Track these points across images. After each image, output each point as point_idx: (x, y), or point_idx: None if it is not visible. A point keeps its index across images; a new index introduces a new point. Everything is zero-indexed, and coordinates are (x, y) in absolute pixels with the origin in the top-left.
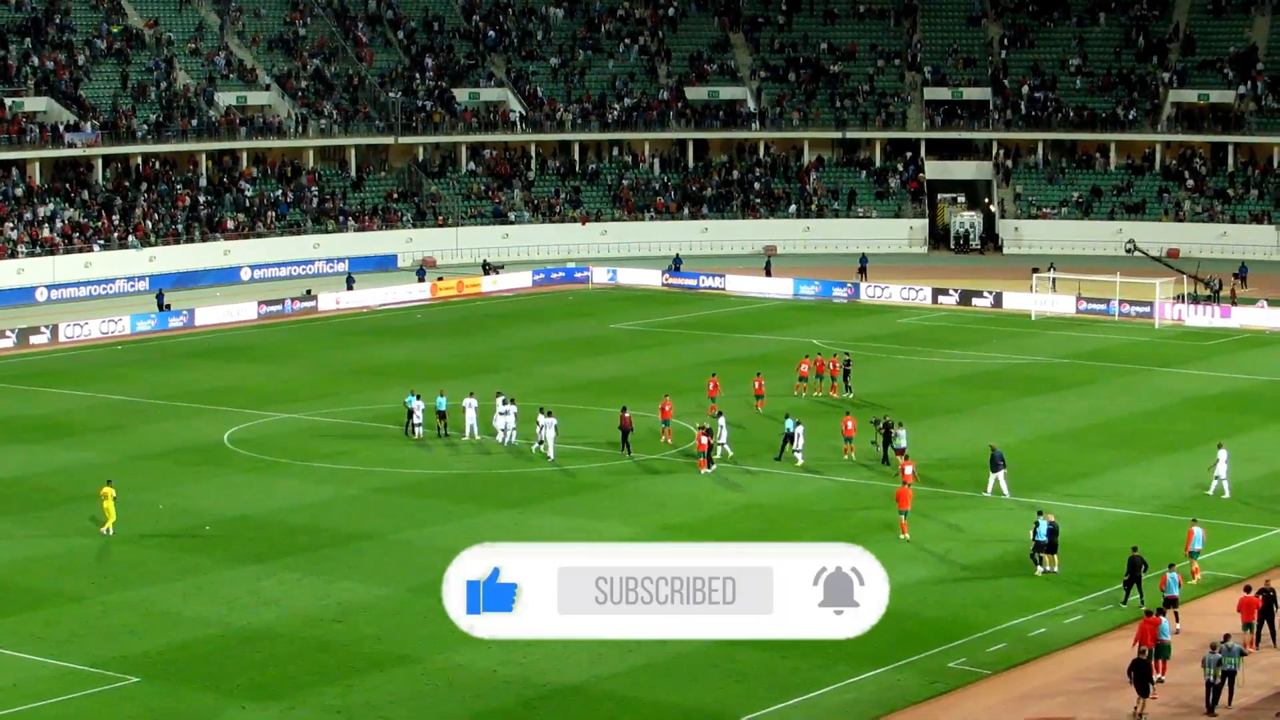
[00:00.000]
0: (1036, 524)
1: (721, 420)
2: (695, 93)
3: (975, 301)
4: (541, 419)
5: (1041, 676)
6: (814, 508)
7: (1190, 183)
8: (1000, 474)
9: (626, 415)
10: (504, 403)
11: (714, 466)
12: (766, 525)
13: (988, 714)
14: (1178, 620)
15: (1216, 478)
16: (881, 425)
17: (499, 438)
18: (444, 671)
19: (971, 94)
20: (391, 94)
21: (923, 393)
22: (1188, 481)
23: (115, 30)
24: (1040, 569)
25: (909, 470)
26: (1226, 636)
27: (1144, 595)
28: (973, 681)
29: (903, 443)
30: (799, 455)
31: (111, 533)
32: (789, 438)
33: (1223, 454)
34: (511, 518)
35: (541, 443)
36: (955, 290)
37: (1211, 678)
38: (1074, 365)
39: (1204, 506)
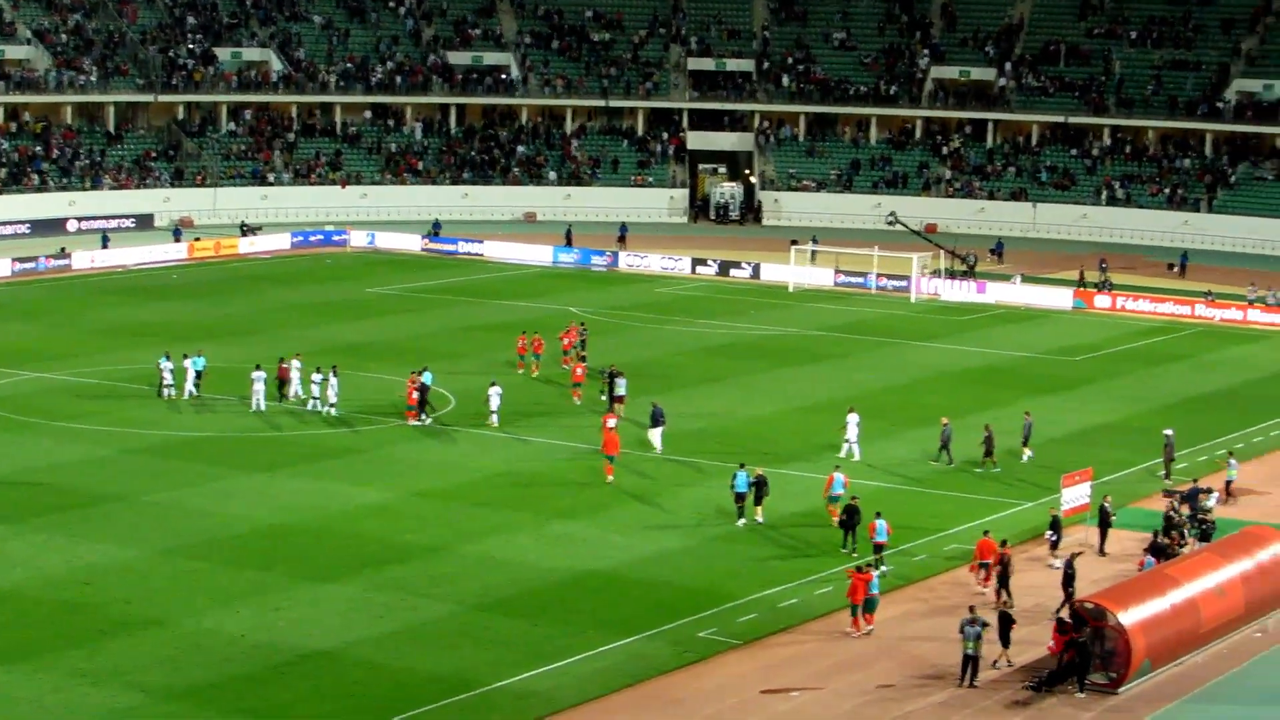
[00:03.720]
0: (735, 476)
1: (493, 390)
2: (459, 58)
3: (734, 272)
4: (326, 378)
5: (791, 646)
6: (568, 476)
7: (950, 159)
8: (658, 430)
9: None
10: (331, 372)
11: (426, 419)
12: (520, 492)
13: (737, 683)
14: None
15: (846, 441)
16: (608, 375)
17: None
18: (192, 636)
19: (735, 65)
20: (152, 51)
21: (679, 362)
22: (963, 456)
23: None
24: (743, 521)
25: (611, 424)
26: (971, 609)
27: (855, 545)
28: (723, 651)
29: (621, 391)
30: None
31: None
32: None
33: (852, 418)
34: (263, 481)
35: (319, 400)
36: (714, 261)
37: (972, 651)
38: (830, 337)
39: (957, 480)
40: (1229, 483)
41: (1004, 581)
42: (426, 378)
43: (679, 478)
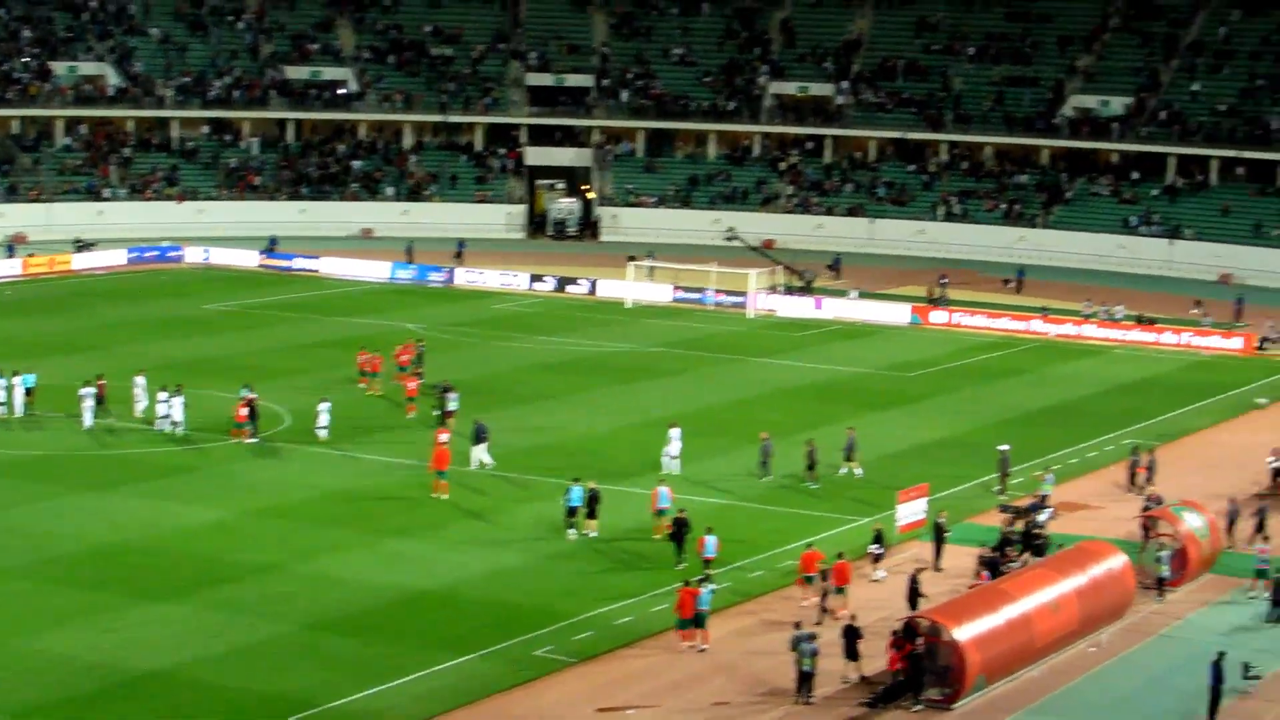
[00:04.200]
0: (569, 490)
1: (322, 406)
2: (297, 72)
3: (571, 288)
4: (171, 396)
5: (627, 664)
6: (403, 493)
7: (788, 174)
8: (481, 446)
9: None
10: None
11: (256, 438)
12: (355, 509)
13: (572, 702)
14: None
15: (667, 455)
16: (439, 390)
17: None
18: (22, 657)
19: (575, 81)
20: None
21: (516, 378)
22: (777, 469)
23: None
24: (572, 533)
25: (443, 439)
26: (798, 625)
27: (685, 557)
28: (559, 669)
29: (452, 406)
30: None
31: None
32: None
33: (674, 432)
34: (95, 500)
35: (167, 418)
36: (552, 277)
37: (809, 667)
38: (668, 353)
39: (794, 496)
40: (1044, 497)
41: (839, 591)
42: (245, 392)
43: (514, 494)
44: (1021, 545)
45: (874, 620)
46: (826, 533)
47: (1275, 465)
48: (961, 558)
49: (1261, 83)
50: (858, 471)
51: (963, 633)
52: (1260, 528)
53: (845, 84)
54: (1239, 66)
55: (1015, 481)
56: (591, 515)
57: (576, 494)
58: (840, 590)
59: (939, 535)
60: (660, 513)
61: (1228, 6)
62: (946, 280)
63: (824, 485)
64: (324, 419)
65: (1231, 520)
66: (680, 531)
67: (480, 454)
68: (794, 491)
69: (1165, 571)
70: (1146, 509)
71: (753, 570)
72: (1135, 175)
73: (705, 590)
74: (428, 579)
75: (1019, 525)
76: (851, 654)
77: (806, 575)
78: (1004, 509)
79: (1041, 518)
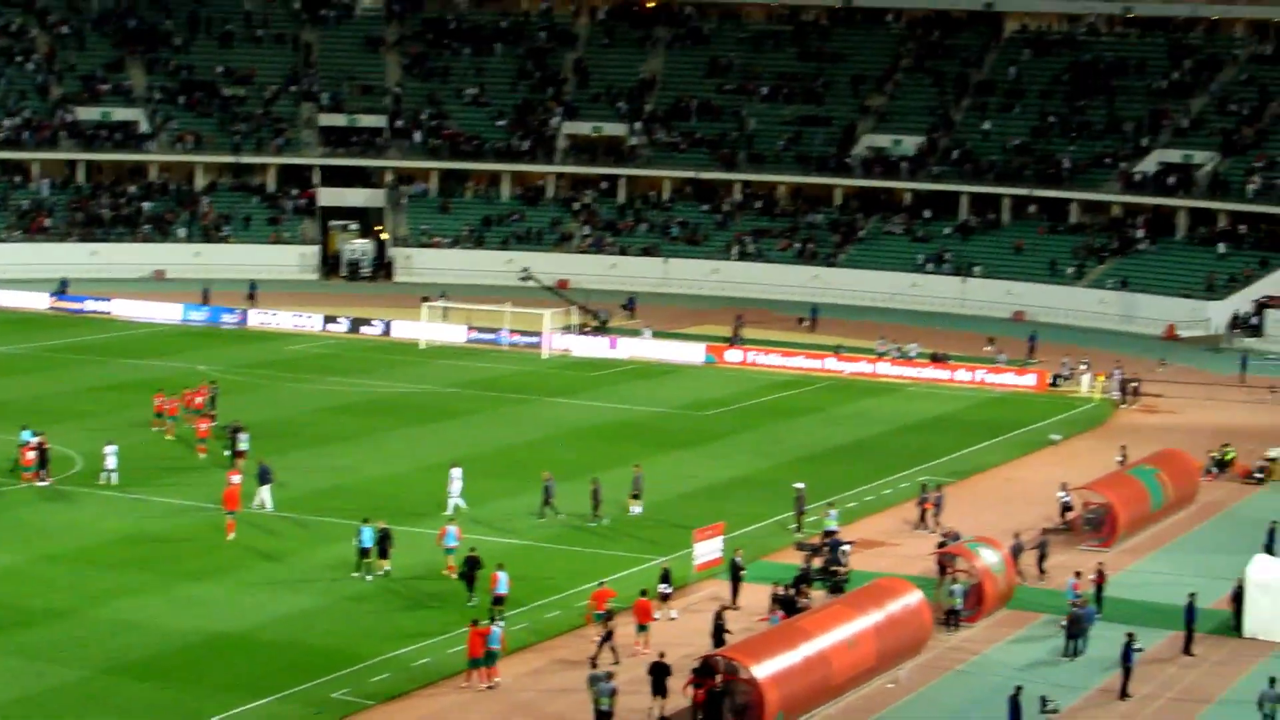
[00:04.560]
0: (360, 530)
1: (109, 449)
2: (88, 113)
3: (365, 329)
4: None
5: (424, 706)
6: (198, 536)
7: (582, 214)
8: (265, 488)
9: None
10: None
11: (47, 481)
12: (149, 552)
13: None
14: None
15: (450, 495)
16: (230, 431)
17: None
18: None
19: (368, 121)
20: None
21: (311, 420)
22: (567, 509)
23: None
24: (367, 575)
25: (235, 480)
26: (594, 664)
27: (476, 596)
28: (356, 712)
29: (243, 446)
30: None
31: None
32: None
33: (455, 472)
34: None
35: None
36: (346, 318)
37: (607, 706)
38: (463, 394)
39: (586, 536)
40: (829, 533)
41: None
42: (26, 435)
43: (308, 536)
44: (820, 582)
45: (679, 658)
46: (625, 571)
47: (1064, 500)
48: (759, 595)
49: (1052, 121)
50: (635, 509)
51: (761, 670)
52: (1041, 561)
53: (638, 124)
54: (1029, 105)
55: (811, 519)
56: (384, 555)
57: (367, 534)
58: (643, 628)
59: (735, 574)
60: (448, 551)
61: (1018, 46)
62: (743, 320)
63: (619, 524)
64: (111, 461)
65: (1015, 555)
66: (471, 570)
67: (263, 495)
68: (588, 531)
69: (959, 604)
70: (942, 545)
71: (550, 610)
72: (928, 214)
73: (494, 629)
74: (224, 622)
75: (817, 562)
76: (659, 690)
77: (598, 613)
78: (800, 546)
79: (839, 555)
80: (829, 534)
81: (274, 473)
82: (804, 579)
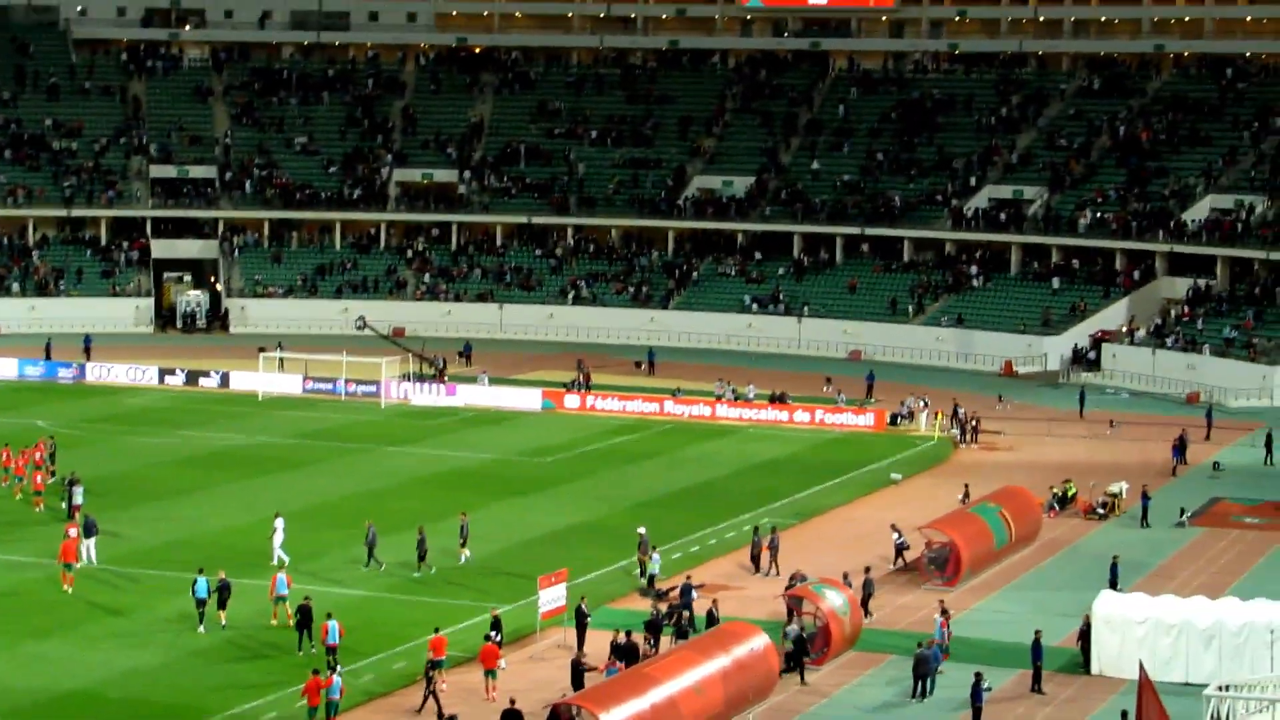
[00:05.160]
0: (195, 582)
1: None
2: None
3: (202, 381)
4: None
5: None
6: (38, 592)
7: (415, 261)
8: (90, 541)
9: None
10: None
11: None
12: None
13: None
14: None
15: (273, 546)
16: (66, 483)
17: None
18: None
19: (198, 172)
20: None
21: (149, 474)
22: (395, 559)
23: None
24: (200, 627)
25: (72, 533)
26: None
27: (312, 644)
28: None
29: (79, 500)
30: None
31: None
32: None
33: (278, 522)
34: None
35: None
36: (182, 370)
37: None
38: (301, 445)
39: (424, 586)
40: (652, 577)
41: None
42: None
43: (150, 590)
44: (668, 627)
45: (533, 703)
46: (470, 620)
47: (899, 542)
48: (603, 642)
49: (882, 159)
50: (465, 557)
51: (610, 717)
52: (866, 601)
53: (469, 170)
54: (859, 144)
55: (637, 560)
56: (221, 606)
57: (202, 586)
58: (490, 673)
59: (580, 621)
60: (279, 599)
61: (845, 85)
62: (584, 365)
63: (452, 573)
64: None
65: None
66: (304, 619)
67: (88, 547)
68: (421, 581)
69: (791, 649)
70: (790, 587)
71: (395, 662)
72: (760, 255)
73: (335, 679)
74: (69, 680)
75: (663, 607)
76: None
77: (434, 660)
78: (645, 592)
79: (686, 600)
80: (651, 578)
81: (98, 526)
82: (654, 625)
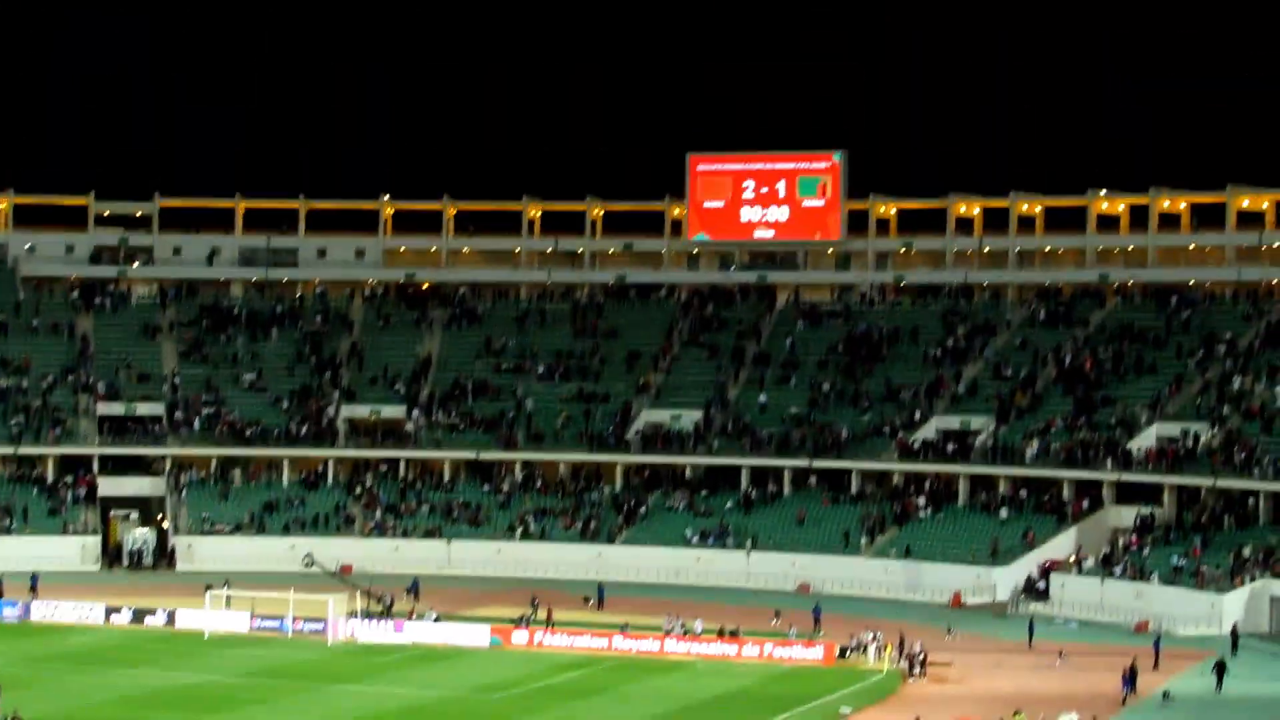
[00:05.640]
0: None
1: None
2: None
3: (149, 619)
4: None
5: None
6: None
7: (364, 498)
8: None
9: None
10: None
11: None
12: None
13: None
14: None
15: None
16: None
17: None
18: None
19: (146, 410)
20: None
21: (95, 714)
22: None
23: None
24: None
25: None
26: None
27: None
28: None
29: None
30: None
31: None
32: None
33: None
34: None
35: None
36: (128, 608)
37: None
38: (248, 683)
39: None
40: None
41: None
42: None
43: None
44: None
45: None
46: None
47: None
48: None
49: (828, 391)
50: None
51: None
52: None
53: (417, 406)
54: (806, 375)
55: None
56: None
57: None
58: None
59: None
60: None
61: (792, 318)
62: (537, 601)
63: None
64: None
65: None
66: None
67: None
68: None
69: None
70: None
71: None
72: (707, 490)
73: None
74: None
75: None
76: None
77: None
78: None
79: None
80: None
81: None
82: None
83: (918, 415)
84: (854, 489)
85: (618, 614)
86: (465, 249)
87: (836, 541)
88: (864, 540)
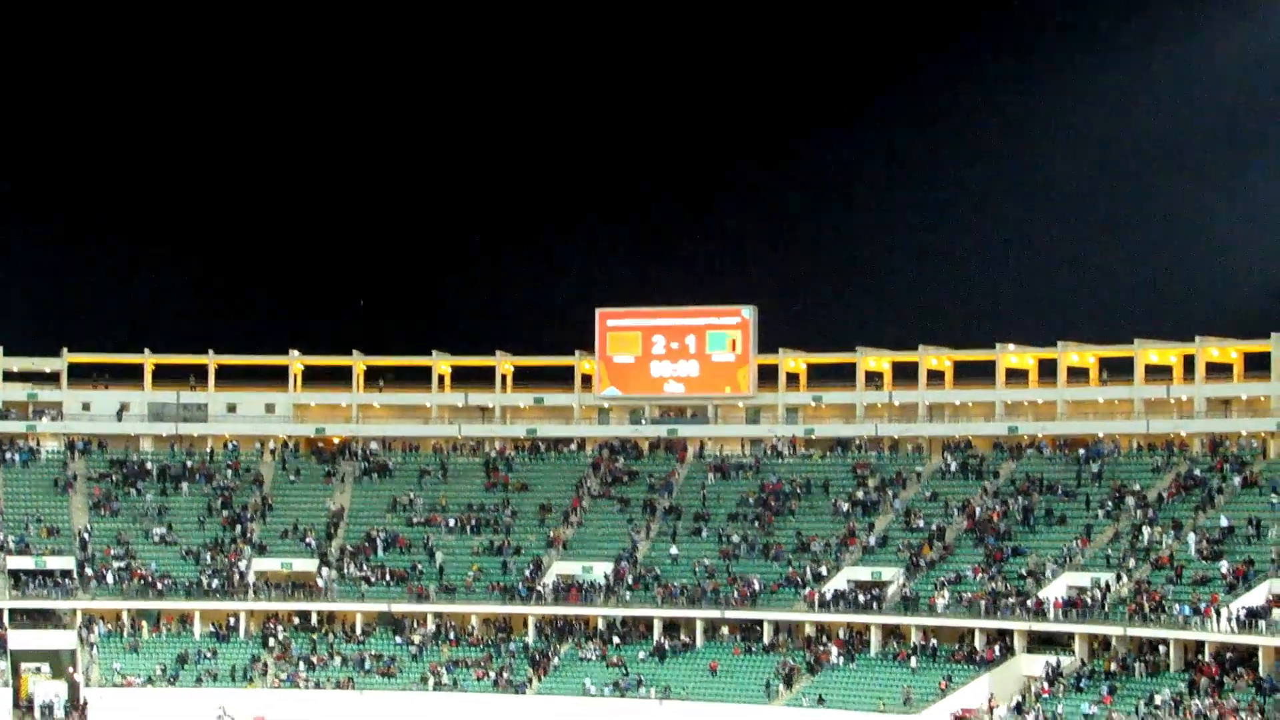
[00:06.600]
0: None
1: None
2: None
3: None
4: None
5: None
6: None
7: (276, 650)
8: None
9: None
10: None
11: None
12: None
13: None
14: None
15: None
16: None
17: None
18: None
19: (56, 563)
20: None
21: None
22: None
23: None
24: None
25: None
26: None
27: None
28: None
29: None
30: None
31: None
32: None
33: None
34: None
35: None
36: None
37: None
38: None
39: None
40: None
41: None
42: None
43: None
44: None
45: None
46: None
47: None
48: None
49: (739, 543)
50: None
51: None
52: None
53: (328, 559)
54: (716, 529)
55: None
56: None
57: None
58: None
59: None
60: None
61: (704, 471)
62: None
63: None
64: None
65: None
66: None
67: None
68: None
69: None
70: None
71: None
72: (619, 640)
73: None
74: None
75: None
76: None
77: None
78: None
79: None
80: None
81: None
82: None
83: (828, 567)
84: (766, 639)
85: None
86: (375, 404)
87: (750, 691)
88: (780, 688)
